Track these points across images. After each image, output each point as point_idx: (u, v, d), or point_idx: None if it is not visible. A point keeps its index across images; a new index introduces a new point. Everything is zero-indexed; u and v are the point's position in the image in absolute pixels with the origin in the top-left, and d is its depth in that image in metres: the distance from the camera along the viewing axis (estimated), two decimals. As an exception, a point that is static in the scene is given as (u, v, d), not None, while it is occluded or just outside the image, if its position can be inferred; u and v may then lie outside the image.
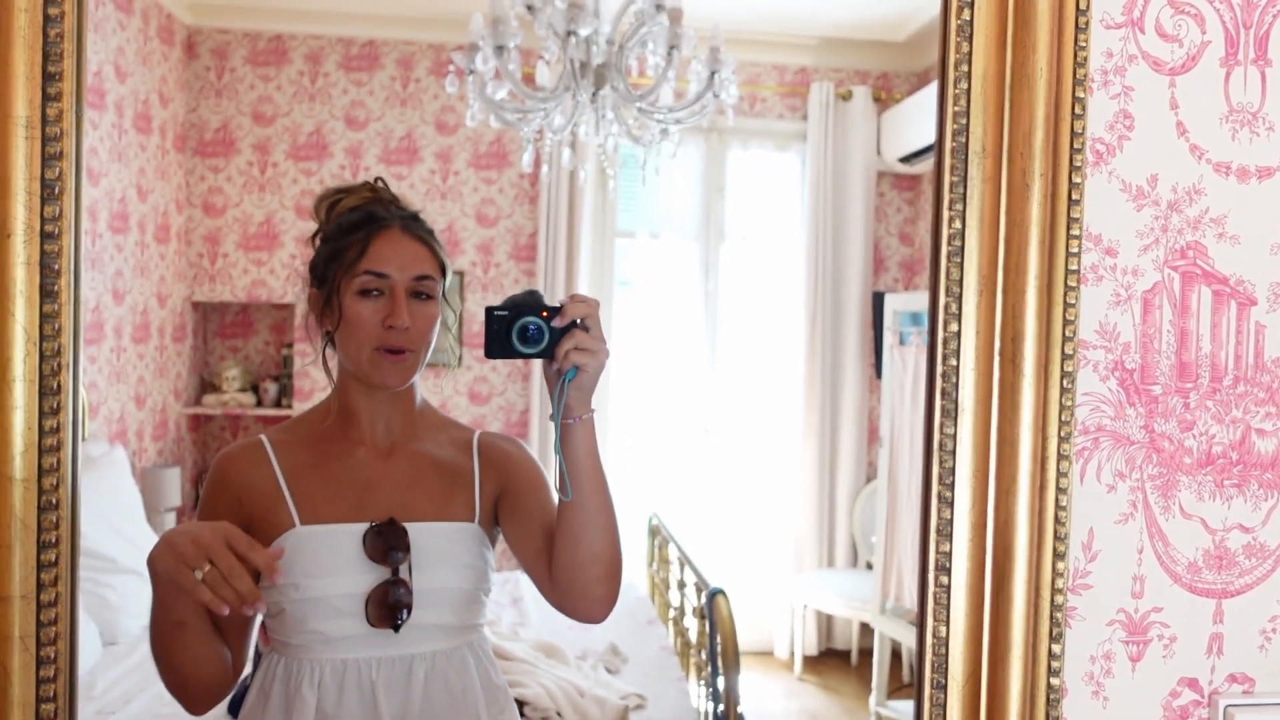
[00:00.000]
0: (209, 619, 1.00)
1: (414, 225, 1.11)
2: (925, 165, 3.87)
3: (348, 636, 1.04)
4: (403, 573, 1.04)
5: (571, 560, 1.05)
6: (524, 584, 3.05)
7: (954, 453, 0.76)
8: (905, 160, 3.84)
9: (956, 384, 0.76)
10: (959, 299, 0.76)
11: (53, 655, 0.62)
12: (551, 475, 1.08)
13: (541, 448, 3.71)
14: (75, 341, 0.64)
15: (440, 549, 1.08)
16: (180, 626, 0.97)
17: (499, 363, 3.88)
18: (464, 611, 1.10)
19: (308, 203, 3.76)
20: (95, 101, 2.85)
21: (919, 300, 3.36)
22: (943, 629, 0.78)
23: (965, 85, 0.75)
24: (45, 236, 0.63)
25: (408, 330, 1.06)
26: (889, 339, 3.21)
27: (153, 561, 0.89)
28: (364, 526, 1.06)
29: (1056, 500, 0.77)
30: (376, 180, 1.14)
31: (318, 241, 1.13)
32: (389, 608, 1.03)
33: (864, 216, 3.92)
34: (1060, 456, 0.77)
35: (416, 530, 1.07)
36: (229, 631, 1.04)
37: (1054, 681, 0.78)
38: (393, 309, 1.06)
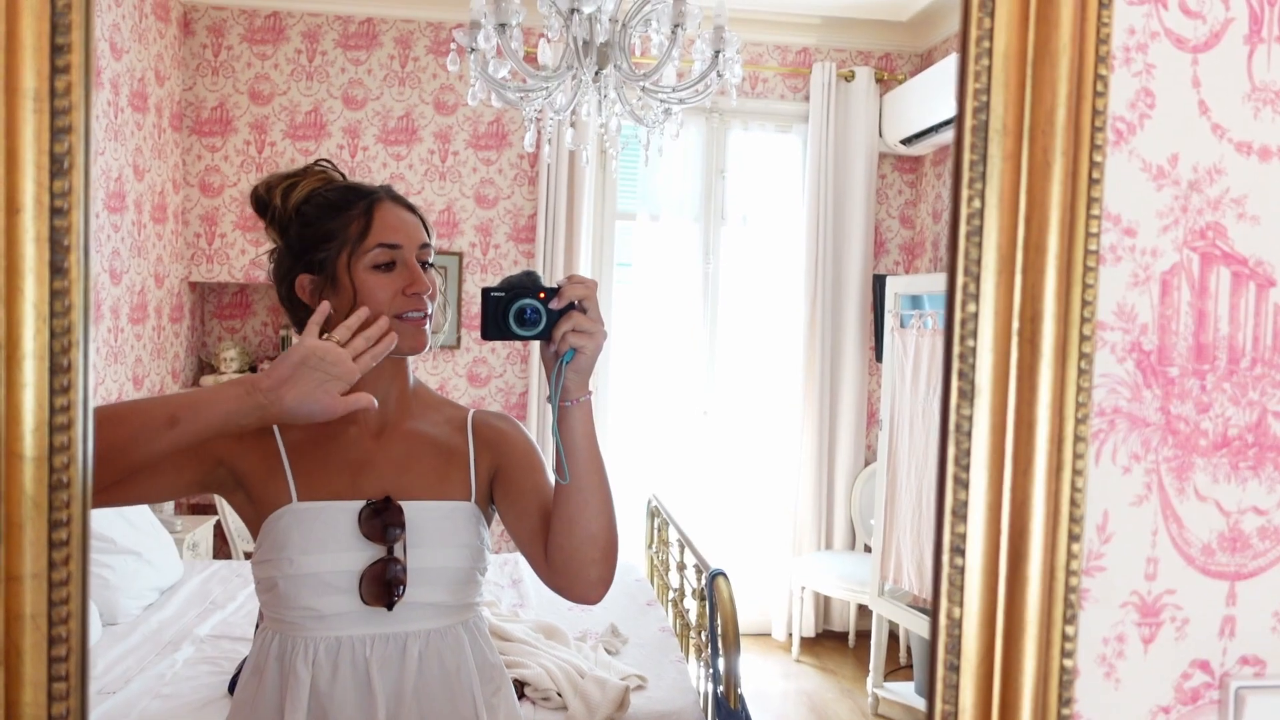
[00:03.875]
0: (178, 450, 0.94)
1: (398, 196, 1.12)
2: (926, 147, 3.85)
3: (341, 613, 1.04)
4: (398, 551, 1.04)
5: (568, 542, 1.05)
6: (523, 566, 3.06)
7: (970, 434, 0.76)
8: (906, 142, 3.83)
9: (974, 365, 0.75)
10: (977, 279, 0.75)
11: (64, 635, 0.62)
12: (549, 457, 1.09)
13: (540, 429, 3.70)
14: (85, 318, 0.63)
15: (436, 528, 1.08)
16: (172, 424, 0.91)
17: (497, 345, 3.87)
18: (459, 590, 1.10)
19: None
20: (91, 78, 2.82)
21: (920, 283, 3.36)
22: (957, 610, 0.77)
23: (986, 62, 0.74)
24: (55, 212, 0.62)
25: (429, 295, 1.07)
26: (889, 322, 3.21)
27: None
28: (360, 504, 1.06)
29: (1073, 482, 0.76)
30: (318, 162, 1.13)
31: (284, 229, 1.09)
32: (384, 585, 1.03)
33: (865, 199, 3.91)
34: (1077, 438, 0.76)
35: (412, 509, 1.07)
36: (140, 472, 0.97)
37: (1067, 663, 0.78)
38: (412, 277, 1.07)
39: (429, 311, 1.08)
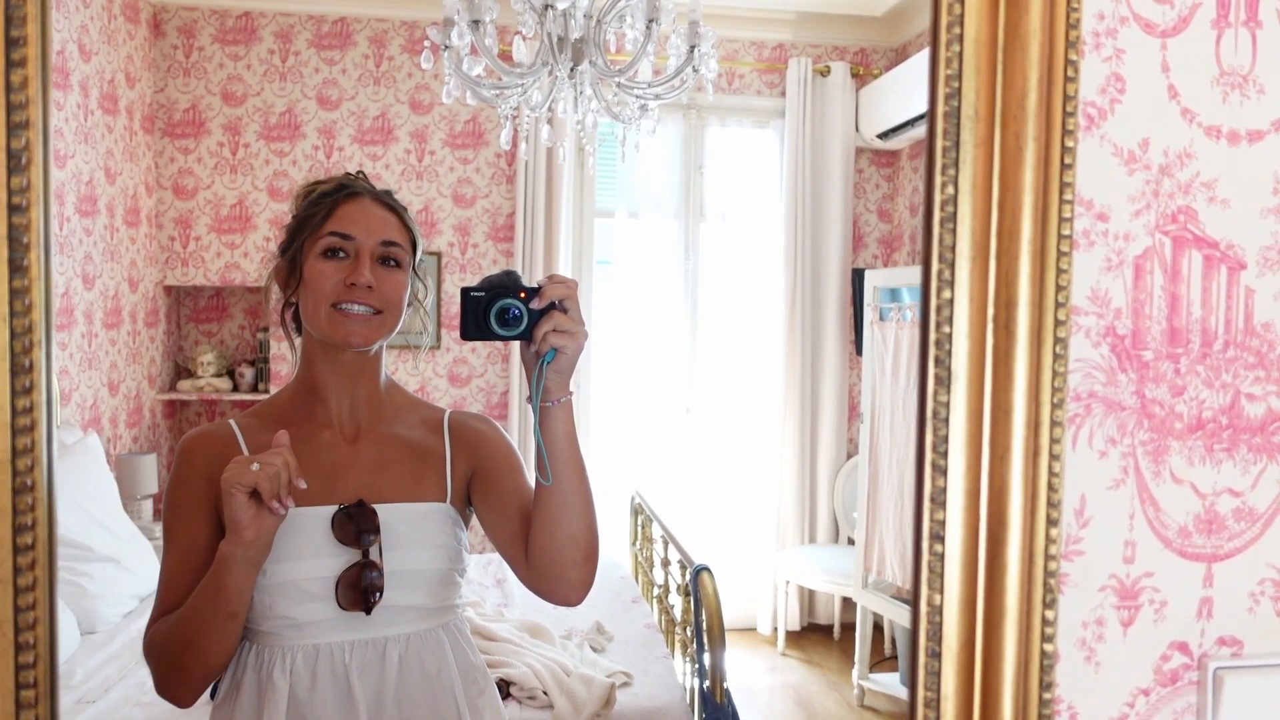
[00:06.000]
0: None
1: (385, 197, 1.11)
2: (903, 141, 3.86)
3: (318, 621, 1.03)
4: (373, 555, 1.03)
5: (549, 544, 1.04)
6: (507, 565, 3.04)
7: (948, 420, 0.76)
8: (883, 136, 3.84)
9: (950, 351, 0.75)
10: (952, 265, 0.75)
11: (32, 641, 0.60)
12: (529, 458, 1.07)
13: (521, 430, 3.69)
14: (47, 319, 0.62)
15: (411, 530, 1.06)
16: (233, 618, 0.98)
17: (478, 344, 3.85)
18: (438, 592, 1.08)
19: (281, 184, 3.71)
20: (59, 81, 2.78)
21: (898, 276, 3.37)
22: (937, 597, 0.77)
23: (958, 48, 0.74)
24: (13, 209, 0.61)
25: (370, 290, 1.04)
26: (869, 315, 3.22)
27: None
28: (333, 509, 1.04)
29: (1050, 467, 0.76)
30: (358, 173, 1.14)
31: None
32: (360, 590, 1.02)
33: (843, 193, 3.92)
34: (1053, 423, 0.76)
35: (386, 511, 1.05)
36: None
37: (1047, 648, 0.78)
38: (355, 268, 1.05)
39: (375, 307, 1.05)
